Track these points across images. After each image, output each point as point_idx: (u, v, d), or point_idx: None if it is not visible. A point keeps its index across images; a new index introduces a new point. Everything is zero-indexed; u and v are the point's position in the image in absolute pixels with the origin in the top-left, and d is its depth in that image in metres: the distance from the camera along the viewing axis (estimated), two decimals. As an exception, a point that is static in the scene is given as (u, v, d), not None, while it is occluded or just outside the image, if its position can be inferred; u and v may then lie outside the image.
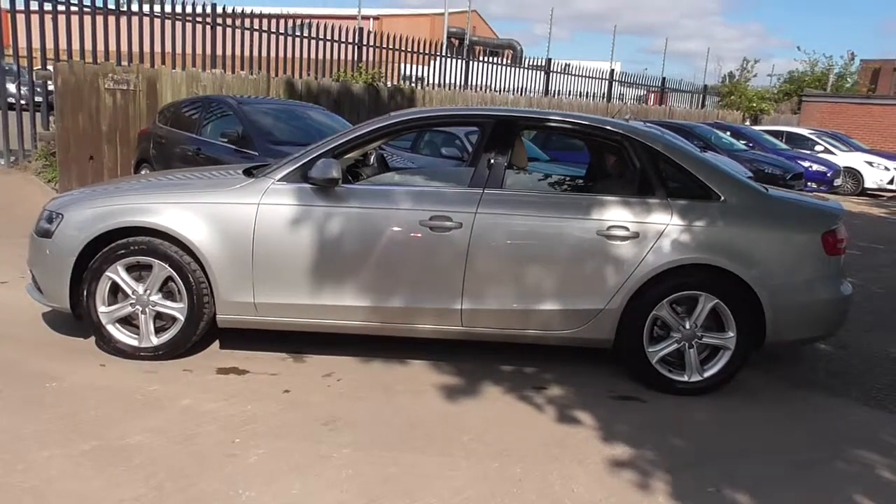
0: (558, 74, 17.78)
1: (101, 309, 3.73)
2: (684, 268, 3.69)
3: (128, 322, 3.79)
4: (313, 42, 11.62)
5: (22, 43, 8.27)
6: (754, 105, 25.76)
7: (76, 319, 3.83)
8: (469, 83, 15.17)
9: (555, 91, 17.66)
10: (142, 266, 3.72)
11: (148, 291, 3.72)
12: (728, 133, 14.83)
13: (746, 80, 29.04)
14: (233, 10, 10.31)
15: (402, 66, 13.71)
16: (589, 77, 18.88)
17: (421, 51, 13.79)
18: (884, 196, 16.03)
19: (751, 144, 14.80)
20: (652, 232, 3.69)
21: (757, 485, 2.91)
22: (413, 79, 13.99)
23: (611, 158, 4.55)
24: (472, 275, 3.68)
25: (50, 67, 8.45)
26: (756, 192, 3.99)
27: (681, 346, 3.77)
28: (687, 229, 3.70)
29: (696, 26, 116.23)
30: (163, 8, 9.38)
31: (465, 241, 3.66)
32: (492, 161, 3.82)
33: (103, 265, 3.67)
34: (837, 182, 15.38)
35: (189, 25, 9.73)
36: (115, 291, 3.75)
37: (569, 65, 18.25)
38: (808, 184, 13.90)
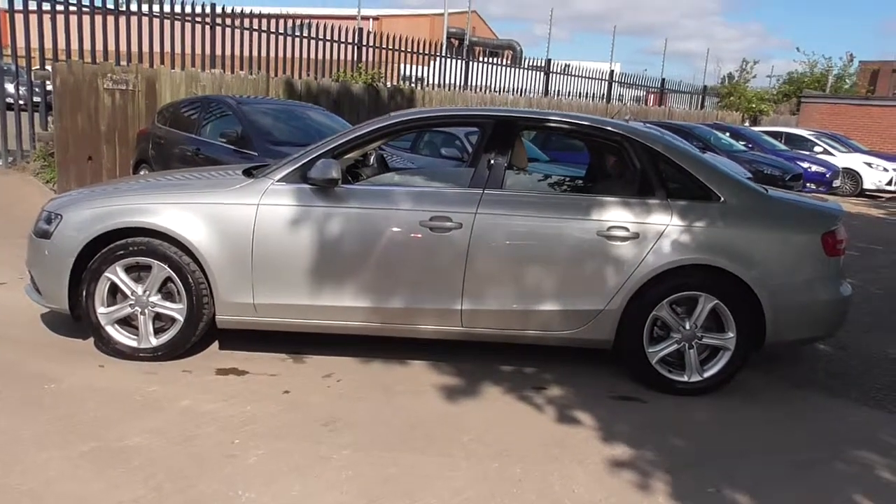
0: (558, 75, 17.78)
1: (100, 310, 3.72)
2: (684, 268, 3.69)
3: (127, 323, 3.78)
4: (313, 42, 11.62)
5: (20, 43, 8.27)
6: (753, 106, 25.80)
7: (75, 320, 3.82)
8: (469, 84, 15.17)
9: (554, 91, 17.67)
10: (141, 267, 3.71)
11: (147, 292, 3.71)
12: (727, 134, 14.85)
13: (746, 81, 29.11)
14: (232, 10, 10.29)
15: (402, 66, 13.70)
16: (588, 78, 18.89)
17: (421, 51, 13.79)
18: (882, 197, 16.04)
19: (750, 145, 14.82)
20: (652, 232, 3.69)
21: (757, 485, 2.90)
22: (413, 79, 13.99)
23: (611, 159, 4.54)
24: (472, 275, 3.67)
25: (48, 67, 8.43)
26: (756, 192, 3.99)
27: (681, 347, 3.77)
28: (687, 230, 3.70)
29: (696, 27, 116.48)
30: (162, 8, 9.37)
31: (465, 241, 3.65)
32: (492, 161, 3.82)
33: (102, 266, 3.66)
34: (836, 183, 15.40)
35: (188, 25, 9.72)
36: (114, 292, 3.75)
37: (568, 65, 18.26)
38: (807, 185, 13.92)
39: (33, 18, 8.25)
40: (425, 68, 14.38)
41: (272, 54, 10.98)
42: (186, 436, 3.00)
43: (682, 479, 2.92)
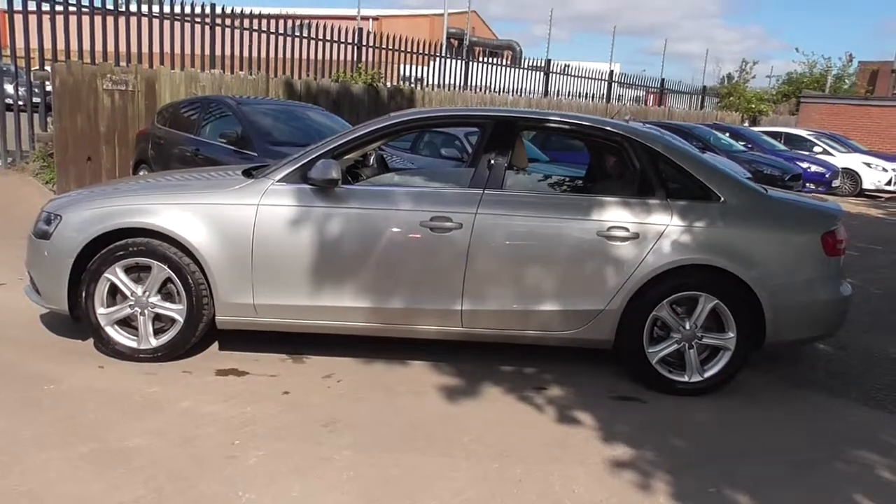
0: (558, 75, 17.78)
1: (100, 310, 3.71)
2: (684, 268, 3.69)
3: (126, 324, 3.78)
4: (312, 42, 11.62)
5: (20, 43, 8.26)
6: (753, 106, 25.81)
7: (74, 321, 3.82)
8: (468, 84, 15.17)
9: (554, 92, 17.67)
10: (140, 267, 3.71)
11: (147, 293, 3.71)
12: (727, 134, 14.87)
13: (745, 82, 29.12)
14: (231, 11, 10.30)
15: (402, 66, 13.70)
16: (588, 78, 18.89)
17: (420, 51, 13.79)
18: (882, 197, 16.05)
19: (749, 145, 14.83)
20: (652, 233, 3.69)
21: (757, 485, 2.90)
22: (412, 79, 13.98)
23: (610, 159, 4.54)
24: (473, 275, 3.67)
25: (48, 68, 8.42)
26: (756, 192, 3.99)
27: (681, 347, 3.77)
28: (687, 230, 3.70)
29: (696, 28, 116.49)
30: (161, 8, 9.37)
31: (466, 241, 3.65)
32: (492, 162, 3.82)
33: (102, 267, 3.66)
34: (836, 183, 15.40)
35: (188, 26, 9.73)
36: (114, 293, 3.74)
37: (568, 65, 18.25)
38: (807, 185, 13.93)
39: (33, 19, 8.25)
40: (425, 68, 14.38)
41: (272, 55, 10.98)
42: (186, 437, 3.00)
43: (683, 479, 2.92)
